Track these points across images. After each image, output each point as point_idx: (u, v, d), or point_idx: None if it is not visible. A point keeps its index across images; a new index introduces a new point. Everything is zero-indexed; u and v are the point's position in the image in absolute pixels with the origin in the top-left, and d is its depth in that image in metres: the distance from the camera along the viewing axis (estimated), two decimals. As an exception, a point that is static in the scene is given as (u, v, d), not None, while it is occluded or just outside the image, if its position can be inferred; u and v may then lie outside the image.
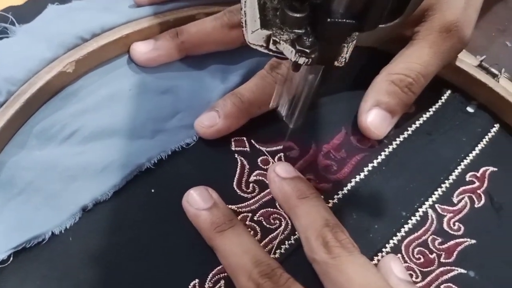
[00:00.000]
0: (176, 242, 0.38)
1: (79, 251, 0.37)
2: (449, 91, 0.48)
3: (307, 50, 0.30)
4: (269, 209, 0.40)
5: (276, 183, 0.40)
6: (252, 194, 0.40)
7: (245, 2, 0.30)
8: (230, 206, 0.39)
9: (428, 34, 0.42)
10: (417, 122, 0.46)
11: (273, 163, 0.42)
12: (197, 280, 0.36)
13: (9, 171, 0.39)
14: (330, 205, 0.40)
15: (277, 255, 0.38)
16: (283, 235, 0.39)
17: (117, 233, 0.38)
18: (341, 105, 0.46)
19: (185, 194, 0.39)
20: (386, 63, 0.45)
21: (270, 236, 0.39)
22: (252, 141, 0.43)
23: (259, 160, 0.42)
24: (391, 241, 0.40)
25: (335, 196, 0.41)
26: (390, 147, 0.44)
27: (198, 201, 0.38)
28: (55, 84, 0.42)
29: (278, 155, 0.43)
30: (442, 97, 0.48)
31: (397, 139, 0.45)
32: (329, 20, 0.28)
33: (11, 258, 0.36)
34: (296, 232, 0.39)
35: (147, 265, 0.37)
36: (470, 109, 0.47)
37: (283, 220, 0.39)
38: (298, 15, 0.29)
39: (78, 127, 0.41)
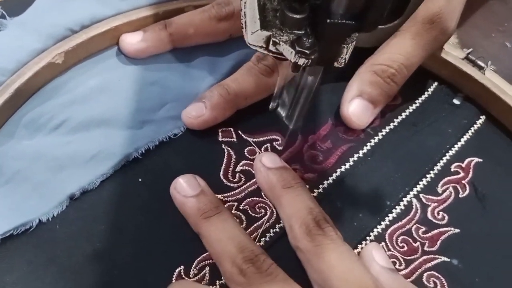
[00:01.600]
0: (162, 230, 0.39)
1: (65, 238, 0.38)
2: (435, 83, 0.49)
3: (306, 51, 0.30)
4: (254, 198, 0.40)
5: (262, 173, 0.40)
6: (238, 184, 0.41)
7: (245, 3, 0.31)
8: (216, 195, 0.40)
9: (411, 25, 0.43)
10: (403, 114, 0.46)
11: (259, 153, 0.42)
12: (182, 267, 0.37)
13: (-4, 160, 0.40)
14: (315, 194, 0.41)
15: (261, 243, 0.38)
16: (268, 223, 0.39)
17: (104, 221, 0.39)
18: (328, 97, 0.47)
19: (173, 181, 0.39)
20: (369, 55, 0.45)
21: (255, 225, 0.39)
22: (239, 131, 0.43)
23: (245, 150, 0.43)
24: (375, 230, 0.40)
25: (320, 186, 0.41)
26: (376, 138, 0.45)
27: (185, 188, 0.38)
28: (44, 75, 0.43)
29: (265, 145, 0.43)
30: (429, 89, 0.48)
31: (383, 130, 0.45)
32: (328, 21, 0.28)
33: (-2, 246, 0.36)
34: (281, 221, 0.39)
35: (133, 252, 0.37)
36: (456, 101, 0.48)
37: (268, 209, 0.40)
38: (298, 16, 0.29)
39: (66, 117, 0.42)
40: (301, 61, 0.31)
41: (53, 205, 0.38)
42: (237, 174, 0.41)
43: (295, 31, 0.30)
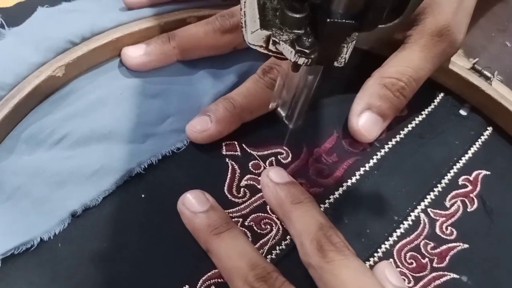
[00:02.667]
0: (166, 248, 0.38)
1: (68, 257, 0.37)
2: (441, 94, 0.48)
3: (306, 51, 0.30)
4: (260, 214, 0.40)
5: (270, 188, 0.39)
6: (243, 199, 0.40)
7: (244, 2, 0.30)
8: (225, 211, 0.39)
9: (419, 38, 0.42)
10: (410, 126, 0.46)
11: (264, 167, 0.42)
12: (187, 286, 0.36)
13: (-3, 177, 0.39)
14: (321, 209, 0.40)
15: (268, 261, 0.37)
16: (274, 240, 0.38)
17: (107, 239, 0.38)
18: (333, 109, 0.46)
19: (181, 197, 0.38)
20: (376, 67, 0.44)
21: (261, 242, 0.38)
22: (243, 145, 0.43)
23: (250, 164, 0.42)
24: (383, 246, 0.39)
25: (327, 201, 0.41)
26: (382, 150, 0.44)
27: (194, 204, 0.38)
28: (44, 89, 0.42)
29: (270, 159, 0.42)
30: (435, 100, 0.48)
31: (389, 142, 0.44)
32: (328, 20, 0.28)
33: (-1, 265, 0.36)
34: (288, 237, 0.38)
35: (137, 271, 0.37)
36: (462, 112, 0.47)
37: (274, 225, 0.39)
38: (297, 15, 0.29)
39: (67, 131, 0.41)
40: (301, 61, 0.30)
41: (55, 222, 0.37)
42: (242, 189, 0.41)
43: (295, 31, 0.30)
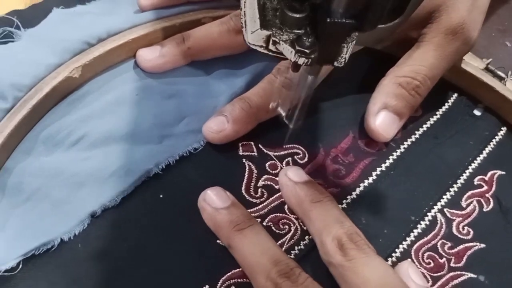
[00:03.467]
0: (185, 248, 0.38)
1: (88, 257, 0.37)
2: (455, 94, 0.48)
3: (306, 51, 0.30)
4: (278, 214, 0.40)
5: (289, 187, 0.39)
6: (261, 199, 0.40)
7: (244, 2, 0.30)
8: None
9: (433, 36, 0.42)
10: (424, 126, 0.46)
11: (281, 167, 0.42)
12: (207, 287, 0.36)
13: (16, 178, 0.39)
14: None
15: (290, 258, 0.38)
16: (292, 240, 0.39)
17: (126, 239, 0.38)
18: (347, 109, 0.46)
19: (202, 193, 0.39)
20: (390, 67, 0.45)
21: (279, 242, 0.38)
22: (260, 145, 0.43)
23: (267, 164, 0.42)
24: (400, 246, 0.39)
25: (344, 201, 0.41)
26: (398, 151, 0.44)
27: (215, 200, 0.38)
28: (61, 90, 0.42)
29: (286, 159, 0.42)
30: (449, 100, 0.48)
31: (405, 142, 0.45)
32: (328, 20, 0.28)
33: (20, 266, 0.36)
34: (306, 237, 0.39)
35: (156, 272, 0.37)
36: (477, 112, 0.47)
37: (292, 225, 0.39)
38: (297, 15, 0.29)
39: (84, 132, 0.41)
40: (301, 61, 0.30)
41: (74, 223, 0.38)
42: (259, 189, 0.41)
43: (295, 31, 0.30)
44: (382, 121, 0.43)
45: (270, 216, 0.40)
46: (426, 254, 0.39)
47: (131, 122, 0.42)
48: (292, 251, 0.38)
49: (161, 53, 0.45)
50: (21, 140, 0.41)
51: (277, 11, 0.30)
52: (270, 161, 0.42)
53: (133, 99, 0.44)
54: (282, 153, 0.43)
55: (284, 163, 0.42)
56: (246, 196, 0.40)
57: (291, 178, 0.40)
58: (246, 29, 0.31)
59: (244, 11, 0.30)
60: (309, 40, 0.30)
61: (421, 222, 0.41)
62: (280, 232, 0.39)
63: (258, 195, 0.40)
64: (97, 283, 0.36)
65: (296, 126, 0.40)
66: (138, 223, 0.39)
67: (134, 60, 0.46)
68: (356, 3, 0.28)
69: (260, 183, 0.41)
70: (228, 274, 0.37)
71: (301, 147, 0.43)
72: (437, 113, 0.47)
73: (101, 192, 0.39)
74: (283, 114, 0.40)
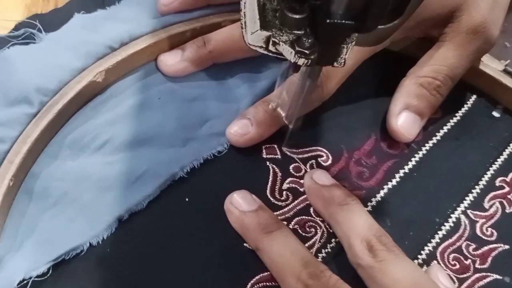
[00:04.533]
0: (212, 251, 0.38)
1: (116, 261, 0.37)
2: (474, 96, 0.48)
3: (306, 51, 0.30)
4: (304, 217, 0.40)
5: (315, 190, 0.40)
6: (286, 202, 0.41)
7: (244, 3, 0.30)
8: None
9: (454, 36, 0.43)
10: (445, 127, 0.46)
11: (305, 170, 0.42)
12: (236, 290, 0.36)
13: (43, 182, 0.39)
14: None
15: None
16: (319, 243, 0.39)
17: (153, 243, 0.38)
18: (368, 111, 0.46)
19: (228, 197, 0.39)
20: (409, 67, 0.45)
21: (306, 245, 0.39)
22: (283, 148, 0.43)
23: (291, 167, 0.42)
24: (426, 248, 0.40)
25: (369, 204, 0.41)
26: (420, 152, 0.44)
27: (242, 204, 0.38)
28: (85, 94, 0.42)
29: (310, 162, 0.43)
30: (468, 102, 0.48)
31: (426, 144, 0.45)
32: (328, 21, 0.28)
33: (50, 271, 0.36)
34: (333, 240, 0.39)
35: (183, 276, 0.37)
36: (496, 114, 0.48)
37: (318, 228, 0.39)
38: (297, 16, 0.29)
39: (109, 136, 0.41)
40: (301, 61, 0.30)
41: (103, 227, 0.38)
42: (284, 192, 0.41)
43: (295, 31, 0.30)
44: (404, 121, 0.43)
45: (296, 219, 0.40)
46: (451, 256, 0.40)
47: (155, 126, 0.42)
48: (319, 254, 0.38)
49: (183, 58, 0.45)
50: (47, 145, 0.41)
51: (277, 12, 0.30)
52: (294, 164, 0.42)
53: (156, 103, 0.44)
54: (305, 155, 0.43)
55: (308, 165, 0.42)
56: (271, 199, 0.41)
57: (316, 181, 0.40)
58: (246, 30, 0.31)
59: (244, 12, 0.31)
60: (309, 41, 0.30)
61: (445, 224, 0.41)
62: (307, 235, 0.39)
63: (283, 198, 0.41)
64: (126, 286, 0.36)
65: (296, 126, 0.40)
66: (165, 227, 0.39)
67: (154, 64, 0.46)
68: (355, 4, 0.28)
69: (285, 185, 0.41)
70: (257, 277, 0.37)
71: (324, 149, 0.43)
72: (457, 114, 0.47)
73: (128, 196, 0.39)
74: (283, 114, 0.40)
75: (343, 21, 0.28)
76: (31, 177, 0.39)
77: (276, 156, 0.43)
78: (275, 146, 0.43)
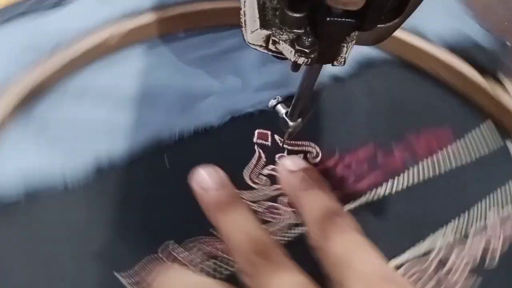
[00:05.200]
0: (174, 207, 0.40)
1: (86, 206, 0.39)
2: (488, 121, 0.47)
3: (306, 50, 0.29)
4: (274, 203, 0.40)
5: (283, 175, 0.39)
6: (261, 186, 0.41)
7: (244, 2, 0.30)
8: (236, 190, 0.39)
9: None
10: (445, 150, 0.44)
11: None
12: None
13: (39, 123, 0.42)
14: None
15: (272, 238, 0.37)
16: (285, 228, 0.39)
17: (126, 199, 0.40)
18: (374, 120, 0.46)
19: (193, 172, 0.39)
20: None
21: (271, 230, 0.39)
22: (276, 136, 0.43)
23: (277, 156, 0.42)
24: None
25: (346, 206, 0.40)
26: (413, 172, 0.43)
27: (206, 179, 0.38)
28: (96, 52, 0.45)
29: (298, 155, 0.43)
30: (479, 127, 0.46)
31: (421, 164, 0.43)
32: (328, 19, 0.28)
33: (23, 201, 0.38)
34: (298, 228, 0.39)
35: (145, 220, 0.39)
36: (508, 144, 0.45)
37: (286, 216, 0.39)
38: (297, 15, 0.29)
39: (111, 89, 0.44)
40: (301, 60, 0.30)
41: (81, 170, 0.40)
42: (262, 177, 0.41)
43: (295, 30, 0.30)
44: None
45: (266, 204, 0.40)
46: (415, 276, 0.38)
47: (158, 88, 0.44)
48: (284, 238, 0.39)
49: None
50: (50, 89, 0.44)
51: (277, 11, 0.30)
52: (281, 154, 0.42)
53: (164, 70, 0.45)
54: (295, 148, 0.43)
55: (294, 159, 0.42)
56: (247, 180, 0.41)
57: (287, 167, 0.40)
58: (245, 28, 0.31)
59: (244, 11, 0.30)
60: (309, 39, 0.30)
61: (415, 247, 0.39)
62: (272, 220, 0.39)
63: (258, 182, 0.41)
64: (91, 230, 0.38)
65: (297, 124, 0.40)
66: (141, 186, 0.40)
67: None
68: None
69: (265, 171, 0.41)
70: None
71: (316, 147, 0.43)
72: (462, 139, 0.45)
73: (113, 147, 0.41)
74: (283, 111, 0.40)
75: (343, 19, 0.28)
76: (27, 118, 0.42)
77: (266, 143, 0.43)
78: (269, 133, 0.43)
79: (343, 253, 0.33)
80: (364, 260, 0.33)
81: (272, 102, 0.40)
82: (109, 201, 0.39)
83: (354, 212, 0.40)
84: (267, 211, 0.40)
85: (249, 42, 0.31)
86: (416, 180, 0.43)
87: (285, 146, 0.43)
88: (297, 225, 0.39)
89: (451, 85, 0.49)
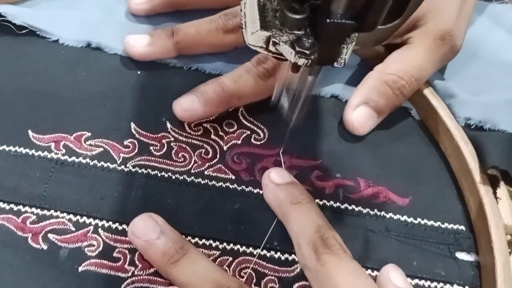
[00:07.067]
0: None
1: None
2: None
3: (306, 51, 0.30)
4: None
5: (270, 189, 0.39)
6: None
7: (244, 3, 0.31)
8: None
9: (423, 39, 0.42)
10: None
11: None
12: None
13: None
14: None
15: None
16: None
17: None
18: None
19: (130, 225, 0.37)
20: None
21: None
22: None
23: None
24: None
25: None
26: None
27: (145, 231, 0.36)
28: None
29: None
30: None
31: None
32: (328, 21, 0.28)
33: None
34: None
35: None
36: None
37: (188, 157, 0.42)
38: (297, 16, 0.29)
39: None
40: (301, 61, 0.30)
41: (73, 37, 0.46)
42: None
43: (295, 32, 0.30)
44: (360, 115, 0.42)
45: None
46: None
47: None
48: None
49: (150, 43, 0.45)
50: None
51: (277, 12, 0.31)
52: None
53: None
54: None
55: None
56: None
57: (273, 179, 0.39)
58: (246, 30, 0.32)
59: (244, 12, 0.31)
60: (309, 41, 0.30)
61: None
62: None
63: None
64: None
65: (296, 125, 0.40)
66: (111, 87, 0.44)
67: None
68: (355, 4, 0.28)
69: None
70: None
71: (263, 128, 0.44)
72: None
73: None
74: (283, 113, 0.41)
75: (343, 21, 0.28)
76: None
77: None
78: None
79: (335, 281, 0.34)
80: None
81: (273, 102, 0.40)
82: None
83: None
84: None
85: (249, 44, 0.32)
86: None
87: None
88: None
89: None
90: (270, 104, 0.40)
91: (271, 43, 0.31)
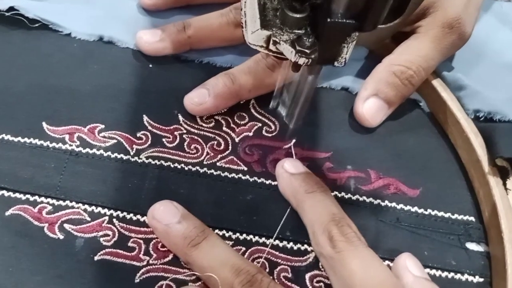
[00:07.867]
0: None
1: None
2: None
3: (307, 51, 0.30)
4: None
5: (284, 179, 0.40)
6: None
7: (245, 2, 0.31)
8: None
9: (430, 28, 0.43)
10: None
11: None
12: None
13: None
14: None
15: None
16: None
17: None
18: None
19: (150, 209, 0.38)
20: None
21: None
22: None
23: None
24: None
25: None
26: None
27: (164, 215, 0.37)
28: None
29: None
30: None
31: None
32: (329, 20, 0.28)
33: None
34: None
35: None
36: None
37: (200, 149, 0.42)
38: (298, 15, 0.30)
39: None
40: (301, 61, 0.30)
41: (82, 30, 0.46)
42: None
43: (296, 31, 0.30)
44: (370, 106, 0.43)
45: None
46: None
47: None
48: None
49: (162, 38, 0.45)
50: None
51: (277, 11, 0.31)
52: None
53: None
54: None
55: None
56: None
57: (287, 169, 0.40)
58: (246, 29, 0.32)
59: (245, 11, 0.31)
60: (310, 40, 0.30)
61: None
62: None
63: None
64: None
65: (296, 126, 0.41)
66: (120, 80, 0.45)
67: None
68: (356, 3, 0.28)
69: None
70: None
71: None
72: None
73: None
74: (283, 114, 0.41)
75: (344, 20, 0.28)
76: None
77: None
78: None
79: (350, 268, 0.34)
80: (370, 276, 0.34)
81: (273, 105, 0.41)
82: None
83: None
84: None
85: (249, 43, 0.32)
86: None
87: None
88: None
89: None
90: (270, 106, 0.41)
91: (271, 42, 0.31)
